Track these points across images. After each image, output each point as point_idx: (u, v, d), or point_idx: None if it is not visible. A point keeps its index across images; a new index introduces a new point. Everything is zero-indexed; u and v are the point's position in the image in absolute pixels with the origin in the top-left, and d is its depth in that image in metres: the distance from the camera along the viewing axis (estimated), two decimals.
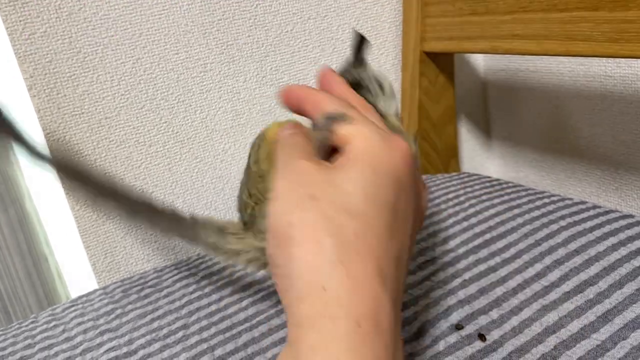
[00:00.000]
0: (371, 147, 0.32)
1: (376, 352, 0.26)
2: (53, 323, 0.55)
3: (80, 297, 0.60)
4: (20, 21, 0.59)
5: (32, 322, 0.56)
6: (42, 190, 0.68)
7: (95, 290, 0.61)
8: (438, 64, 0.80)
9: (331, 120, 0.33)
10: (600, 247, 0.50)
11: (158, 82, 0.67)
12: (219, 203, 0.75)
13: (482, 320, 0.43)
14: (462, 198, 0.64)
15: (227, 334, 0.48)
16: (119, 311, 0.55)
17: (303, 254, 0.29)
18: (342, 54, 0.79)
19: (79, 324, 0.54)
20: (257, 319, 0.49)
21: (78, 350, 0.50)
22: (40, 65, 0.60)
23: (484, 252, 0.52)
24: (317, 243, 0.28)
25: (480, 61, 0.94)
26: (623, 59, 0.71)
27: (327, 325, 0.27)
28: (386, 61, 0.83)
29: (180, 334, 0.49)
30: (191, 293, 0.56)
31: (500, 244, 0.53)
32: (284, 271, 0.30)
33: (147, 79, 0.66)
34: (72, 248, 0.68)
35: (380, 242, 0.29)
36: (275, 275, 0.31)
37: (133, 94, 0.66)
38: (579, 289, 0.45)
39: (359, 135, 0.32)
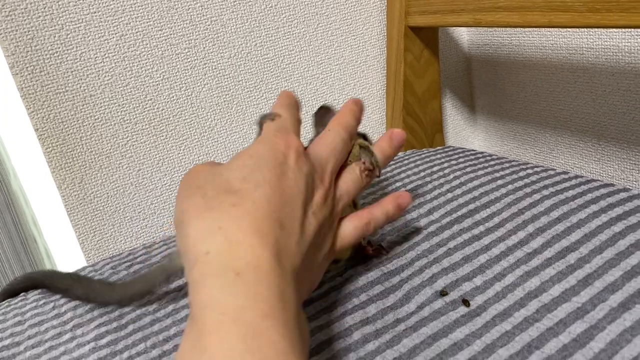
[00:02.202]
0: (260, 139, 0.39)
1: (258, 292, 0.30)
2: (43, 300, 0.55)
3: None
4: None
5: (21, 300, 0.56)
6: (28, 169, 0.68)
7: (84, 268, 0.61)
8: (422, 38, 0.80)
9: (262, 118, 0.42)
10: (582, 214, 0.51)
11: (142, 58, 0.67)
12: None
13: (466, 286, 0.44)
14: (446, 171, 0.65)
15: None
16: None
17: (191, 230, 0.33)
18: (327, 29, 0.79)
19: (69, 300, 0.54)
20: None
21: (68, 326, 0.50)
22: (22, 42, 0.60)
23: (468, 222, 0.53)
24: (199, 218, 0.34)
25: (464, 36, 0.94)
26: (604, 31, 0.72)
27: (212, 281, 0.30)
28: (371, 36, 0.83)
29: (170, 307, 0.50)
30: None
31: (484, 213, 0.54)
32: (183, 250, 0.34)
33: (131, 55, 0.66)
34: (60, 227, 0.68)
35: (257, 209, 0.34)
36: (182, 259, 0.35)
37: (117, 71, 0.66)
38: (561, 255, 0.46)
39: (264, 129, 0.41)
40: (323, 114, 0.48)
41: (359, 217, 0.43)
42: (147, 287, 0.47)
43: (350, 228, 0.42)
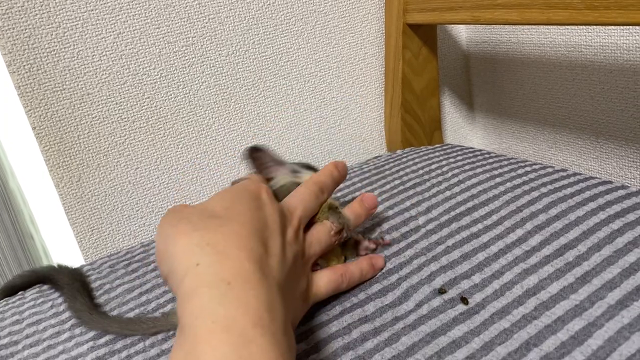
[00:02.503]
0: (237, 184, 0.44)
1: (247, 300, 0.31)
2: (41, 299, 0.55)
3: None
4: None
5: (19, 299, 0.56)
6: (26, 168, 0.68)
7: (82, 266, 0.61)
8: (421, 36, 0.80)
9: (237, 180, 0.48)
10: (580, 212, 0.51)
11: (140, 56, 0.66)
12: (204, 178, 0.75)
13: (465, 284, 0.44)
14: (445, 168, 0.65)
15: None
16: (107, 286, 0.55)
17: (178, 247, 0.35)
18: (325, 26, 0.78)
19: None
20: None
21: (67, 325, 0.50)
22: (19, 40, 0.59)
23: (466, 220, 0.53)
24: (186, 236, 0.36)
25: (462, 33, 0.94)
26: (603, 29, 0.72)
27: (204, 291, 0.32)
28: (369, 34, 0.83)
29: (168, 307, 0.50)
30: None
31: (482, 211, 0.54)
32: (170, 269, 0.36)
33: (128, 53, 0.66)
34: (58, 225, 0.68)
35: (241, 229, 0.36)
36: (168, 284, 0.37)
37: (115, 69, 0.65)
38: (559, 252, 0.46)
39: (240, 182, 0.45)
40: (258, 156, 0.51)
41: (334, 270, 0.46)
42: (131, 331, 0.47)
43: (325, 279, 0.45)
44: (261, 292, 0.32)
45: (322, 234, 0.45)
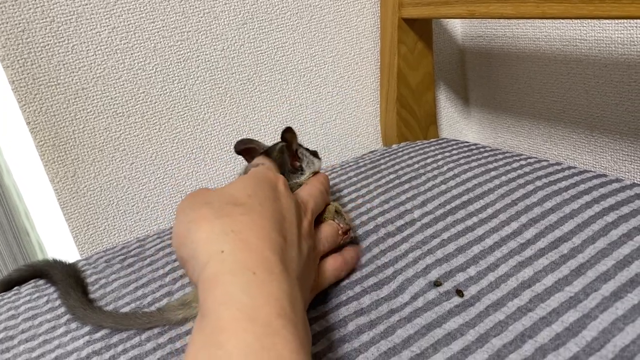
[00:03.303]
0: (252, 172, 0.44)
1: (271, 290, 0.31)
2: (36, 294, 0.55)
3: None
4: None
5: (14, 294, 0.56)
6: (21, 163, 0.68)
7: (78, 261, 0.61)
8: (416, 30, 0.80)
9: (247, 167, 0.50)
10: (575, 205, 0.51)
11: (135, 51, 0.66)
12: (199, 173, 0.75)
13: (460, 277, 0.44)
14: (440, 162, 0.65)
15: None
16: (102, 281, 0.55)
17: (202, 233, 0.35)
18: (320, 21, 0.78)
19: None
20: None
21: (62, 320, 0.50)
22: (12, 34, 0.59)
23: (461, 213, 0.53)
24: (210, 223, 0.36)
25: (458, 28, 0.94)
26: (597, 23, 0.72)
27: (228, 278, 0.32)
28: (364, 28, 0.83)
29: (164, 301, 0.50)
30: (174, 261, 0.56)
31: (477, 204, 0.54)
32: (190, 254, 0.35)
33: (123, 48, 0.65)
34: (53, 221, 0.68)
35: (262, 219, 0.36)
36: (185, 267, 0.37)
37: (110, 64, 0.65)
38: (554, 245, 0.46)
39: (252, 170, 0.45)
40: (249, 151, 0.54)
41: (334, 259, 0.46)
42: (126, 325, 0.47)
43: (329, 269, 0.45)
44: (283, 283, 0.32)
45: (330, 232, 0.46)
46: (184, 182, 0.74)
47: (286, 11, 0.75)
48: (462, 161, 0.65)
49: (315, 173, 0.52)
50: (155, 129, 0.70)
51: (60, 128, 0.64)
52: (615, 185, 0.53)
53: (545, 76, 0.82)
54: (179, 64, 0.70)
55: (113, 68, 0.65)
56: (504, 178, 0.58)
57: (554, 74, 0.81)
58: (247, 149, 0.54)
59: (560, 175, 0.57)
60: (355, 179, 0.66)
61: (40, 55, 0.61)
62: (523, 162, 0.62)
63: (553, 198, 0.53)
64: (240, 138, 0.52)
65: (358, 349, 0.39)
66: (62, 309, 0.51)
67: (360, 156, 0.76)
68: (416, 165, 0.66)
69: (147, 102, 0.69)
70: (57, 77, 0.63)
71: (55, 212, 0.67)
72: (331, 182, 0.63)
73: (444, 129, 0.98)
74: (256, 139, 0.56)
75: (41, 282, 0.58)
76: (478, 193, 0.56)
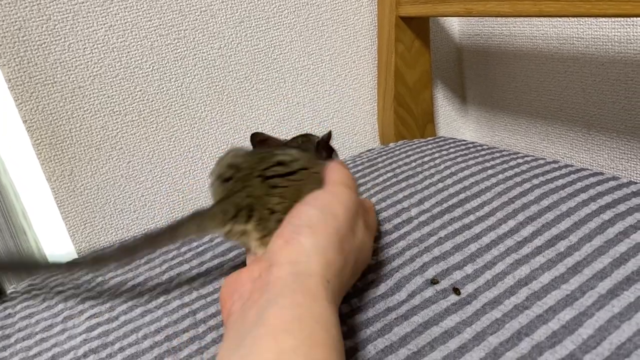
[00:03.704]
0: (352, 195, 0.43)
1: (334, 299, 0.35)
2: (33, 293, 0.55)
3: None
4: None
5: (11, 293, 0.56)
6: (17, 161, 0.67)
7: (75, 260, 0.61)
8: (414, 29, 0.80)
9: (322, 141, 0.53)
10: (572, 203, 0.51)
11: (131, 49, 0.66)
12: (196, 172, 0.75)
13: (457, 275, 0.44)
14: (437, 161, 0.65)
15: (209, 298, 0.48)
16: (99, 279, 0.55)
17: (308, 244, 0.37)
18: (317, 19, 0.78)
19: (60, 292, 0.54)
20: None
21: (59, 318, 0.50)
22: (8, 33, 0.59)
23: (458, 211, 0.53)
24: (317, 235, 0.37)
25: (455, 26, 0.94)
26: (594, 21, 0.72)
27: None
28: (362, 27, 0.83)
29: (161, 299, 0.50)
30: (172, 259, 0.56)
31: (474, 202, 0.54)
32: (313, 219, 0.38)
33: (120, 46, 0.65)
34: (50, 219, 0.68)
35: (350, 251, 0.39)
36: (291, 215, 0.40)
37: (106, 62, 0.65)
38: (551, 243, 0.46)
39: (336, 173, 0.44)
40: (265, 143, 0.54)
41: None
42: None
43: None
44: (337, 292, 0.37)
45: (369, 245, 0.45)
46: (180, 181, 0.74)
47: (283, 9, 0.75)
48: (459, 159, 0.65)
49: None
50: (152, 127, 0.70)
51: (57, 126, 0.64)
52: (612, 184, 0.54)
53: (542, 74, 0.82)
54: (176, 62, 0.69)
55: (110, 66, 0.65)
56: (501, 176, 0.58)
57: (551, 72, 0.81)
58: (262, 141, 0.54)
59: (557, 173, 0.57)
60: None
61: (36, 53, 0.61)
62: (520, 160, 0.62)
63: (550, 196, 0.53)
64: (253, 132, 0.53)
65: (355, 347, 0.39)
66: (59, 307, 0.51)
67: (357, 154, 0.76)
68: (413, 164, 0.66)
69: (143, 100, 0.68)
70: (53, 75, 0.62)
71: (52, 211, 0.67)
72: None
73: (441, 127, 0.98)
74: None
75: (38, 280, 0.58)
76: (475, 191, 0.56)
